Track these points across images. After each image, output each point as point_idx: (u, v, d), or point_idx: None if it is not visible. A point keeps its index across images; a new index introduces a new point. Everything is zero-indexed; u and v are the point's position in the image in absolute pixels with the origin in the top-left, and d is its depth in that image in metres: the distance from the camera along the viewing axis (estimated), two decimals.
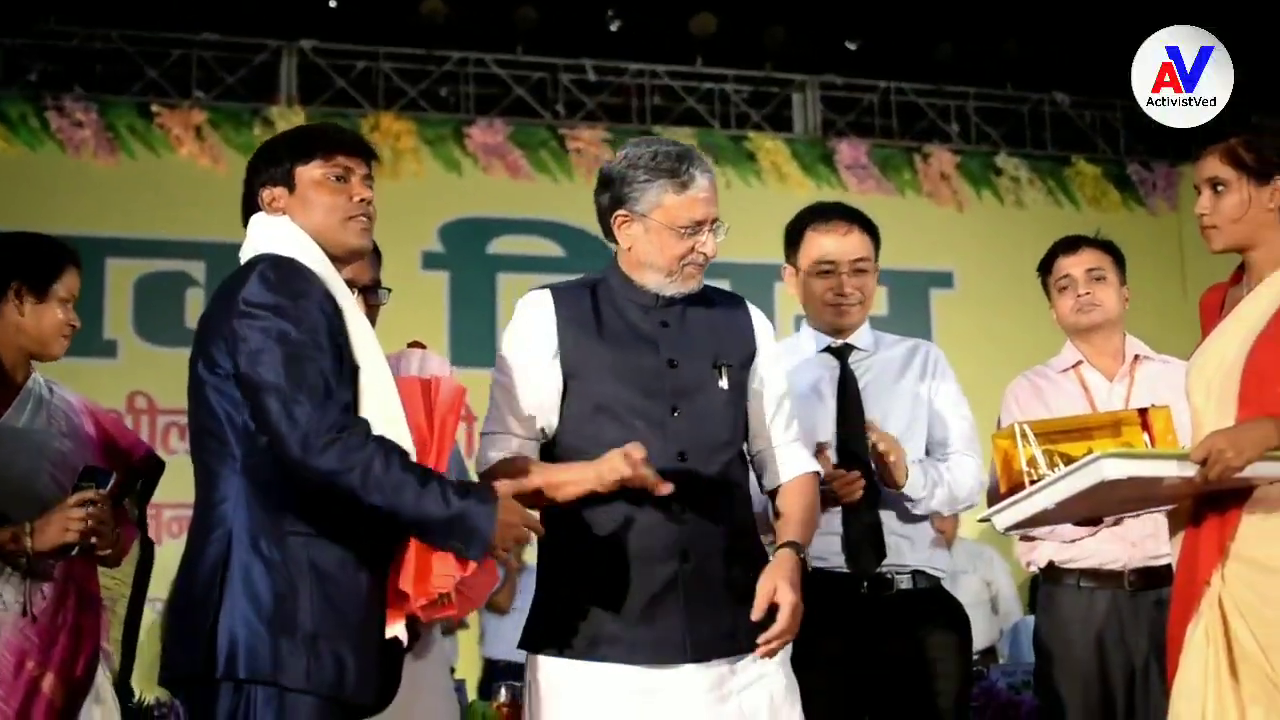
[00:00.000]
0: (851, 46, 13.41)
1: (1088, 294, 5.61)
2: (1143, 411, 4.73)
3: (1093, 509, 4.74)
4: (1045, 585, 5.67)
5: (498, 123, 12.42)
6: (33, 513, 4.59)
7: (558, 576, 4.35)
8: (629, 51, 12.84)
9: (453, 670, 8.62)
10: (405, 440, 3.87)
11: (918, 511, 5.15)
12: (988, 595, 10.39)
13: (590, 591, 4.24)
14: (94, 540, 4.58)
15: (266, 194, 4.06)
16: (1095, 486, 4.25)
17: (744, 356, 4.48)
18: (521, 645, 4.39)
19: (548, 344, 4.37)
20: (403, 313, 9.35)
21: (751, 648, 4.24)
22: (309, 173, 4.06)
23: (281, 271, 3.86)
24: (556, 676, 4.27)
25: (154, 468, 5.09)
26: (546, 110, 12.66)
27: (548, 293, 4.47)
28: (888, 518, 5.13)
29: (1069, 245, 5.72)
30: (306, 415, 3.69)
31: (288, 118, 11.60)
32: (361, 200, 4.07)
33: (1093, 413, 5.37)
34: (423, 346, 4.55)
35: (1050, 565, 5.57)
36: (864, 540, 5.09)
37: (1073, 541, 5.44)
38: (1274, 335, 4.33)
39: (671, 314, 4.43)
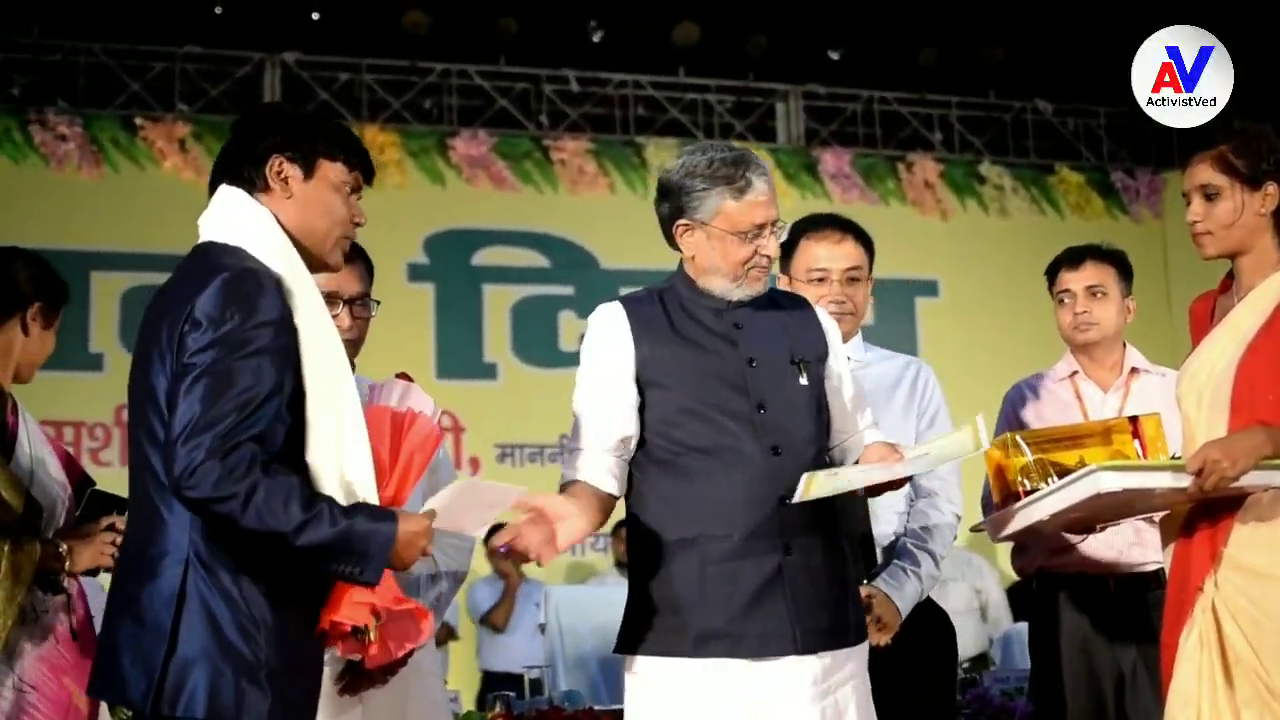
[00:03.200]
0: (834, 56, 13.44)
1: (1085, 311, 5.60)
2: (1133, 419, 4.72)
3: (1087, 517, 4.75)
4: (1035, 592, 5.68)
5: (481, 134, 12.43)
6: (48, 530, 4.64)
7: (658, 575, 4.28)
8: (612, 62, 12.85)
9: (445, 683, 8.63)
10: (362, 466, 3.71)
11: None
12: (977, 603, 10.40)
13: (693, 589, 4.21)
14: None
15: (277, 162, 3.78)
16: (1090, 498, 4.26)
17: (818, 354, 4.46)
18: (619, 649, 4.35)
19: (624, 354, 4.34)
20: (389, 325, 9.33)
21: (850, 643, 4.29)
22: (333, 170, 3.83)
23: (245, 286, 3.58)
24: (662, 676, 4.22)
25: (87, 488, 4.97)
26: (530, 121, 12.68)
27: (618, 304, 4.43)
28: (877, 528, 5.13)
29: (1073, 258, 5.70)
30: (196, 444, 3.45)
31: None
32: (358, 223, 3.91)
33: (1084, 421, 5.38)
34: (409, 379, 4.44)
35: (1039, 572, 5.59)
36: (854, 548, 5.09)
37: (1061, 550, 5.45)
38: (1264, 343, 4.35)
39: (743, 315, 4.39)
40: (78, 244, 10.96)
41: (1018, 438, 4.61)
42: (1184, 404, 4.52)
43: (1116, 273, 5.66)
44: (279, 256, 3.71)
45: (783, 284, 5.32)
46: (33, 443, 4.74)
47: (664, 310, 4.40)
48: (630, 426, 4.32)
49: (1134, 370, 5.64)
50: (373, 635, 3.81)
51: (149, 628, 3.57)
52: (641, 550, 4.35)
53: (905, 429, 5.22)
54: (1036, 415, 5.61)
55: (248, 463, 3.47)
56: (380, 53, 12.38)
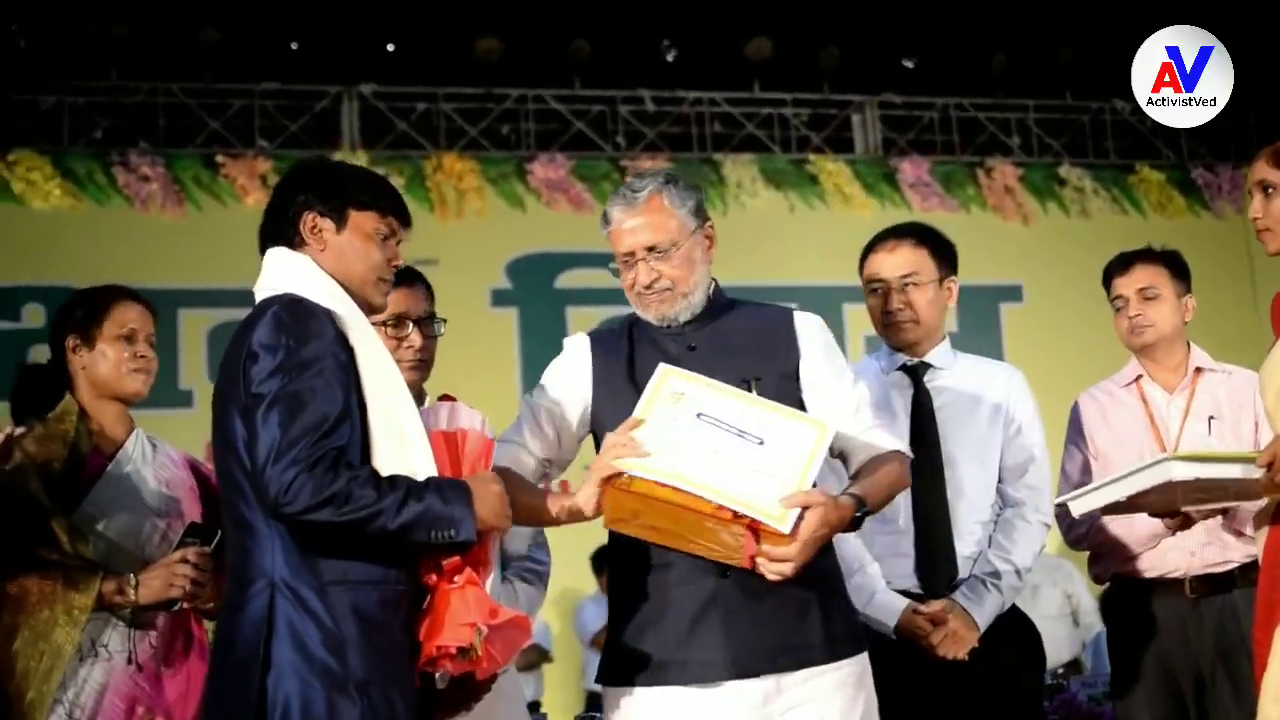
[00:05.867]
0: (908, 64, 13.40)
1: (1139, 315, 5.59)
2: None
3: (1168, 503, 4.76)
4: (1112, 596, 5.69)
5: (559, 157, 12.47)
6: (134, 564, 4.71)
7: (620, 606, 4.37)
8: (686, 80, 12.87)
9: (538, 706, 8.64)
10: (427, 473, 3.86)
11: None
12: (1069, 608, 10.37)
13: (646, 618, 4.25)
14: (197, 595, 4.67)
15: (310, 218, 3.99)
16: (1162, 484, 4.28)
17: (786, 367, 4.40)
18: (597, 680, 4.44)
19: (582, 394, 4.44)
20: (474, 350, 9.32)
21: (814, 661, 4.21)
22: (364, 219, 4.03)
23: (294, 313, 3.80)
24: (625, 706, 4.29)
25: None
26: (607, 143, 12.71)
27: (587, 341, 4.53)
28: (960, 538, 5.12)
29: (1121, 264, 5.70)
30: (285, 463, 3.64)
31: (351, 162, 11.67)
32: (396, 265, 4.09)
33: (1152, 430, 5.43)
34: (452, 399, 4.55)
35: (1115, 577, 5.59)
36: (936, 561, 5.09)
37: (1136, 555, 5.45)
38: None
39: (701, 336, 4.42)
40: (163, 283, 10.99)
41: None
42: (1265, 398, 4.51)
43: (1169, 273, 5.65)
44: (325, 294, 3.91)
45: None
46: (132, 477, 4.87)
47: (629, 342, 4.47)
48: (567, 457, 4.48)
49: (1199, 370, 5.61)
50: (479, 650, 3.87)
51: (242, 653, 3.75)
52: (612, 582, 4.45)
53: (991, 437, 5.21)
54: (1104, 421, 5.64)
55: (334, 469, 3.66)
56: (456, 81, 12.45)
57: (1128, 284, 5.63)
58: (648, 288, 4.38)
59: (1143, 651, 5.48)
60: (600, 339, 4.53)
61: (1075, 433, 5.70)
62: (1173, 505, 4.95)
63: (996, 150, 13.37)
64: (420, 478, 3.82)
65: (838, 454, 4.42)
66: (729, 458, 4.00)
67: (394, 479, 3.75)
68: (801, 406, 4.35)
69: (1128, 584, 5.56)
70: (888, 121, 13.26)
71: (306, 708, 3.68)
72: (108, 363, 4.91)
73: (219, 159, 11.84)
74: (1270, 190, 4.47)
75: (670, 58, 13.04)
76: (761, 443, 4.04)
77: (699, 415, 4.05)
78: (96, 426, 4.91)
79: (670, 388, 4.09)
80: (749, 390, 4.26)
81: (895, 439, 4.47)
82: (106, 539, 4.74)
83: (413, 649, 3.90)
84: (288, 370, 3.72)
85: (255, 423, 3.70)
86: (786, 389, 4.35)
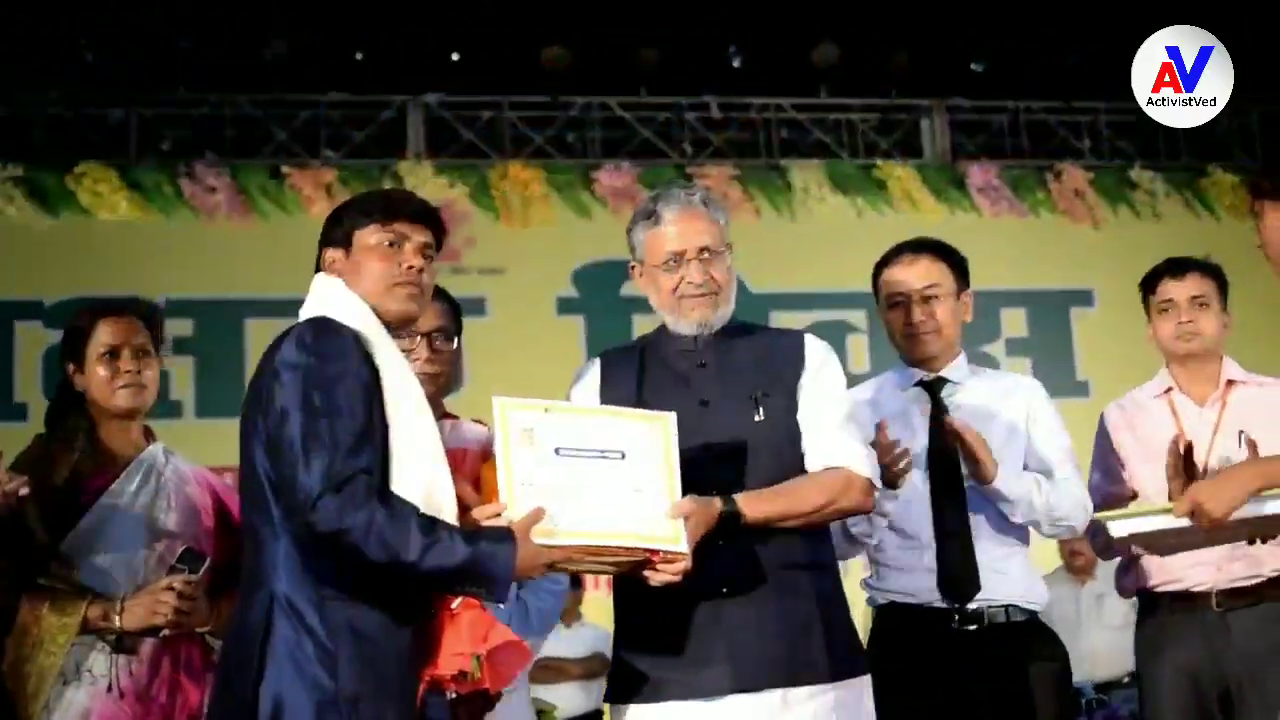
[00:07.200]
0: (977, 68, 13.33)
1: (1189, 321, 5.57)
2: None
3: (1186, 547, 4.79)
4: (1139, 610, 5.63)
5: (625, 165, 12.44)
6: (129, 587, 4.73)
7: (624, 625, 4.39)
8: (753, 86, 12.84)
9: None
10: (446, 494, 3.90)
11: (1016, 519, 5.08)
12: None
13: (649, 636, 4.25)
14: (180, 624, 4.66)
15: (327, 255, 4.12)
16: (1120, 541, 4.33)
17: (789, 385, 4.39)
18: (604, 699, 4.44)
19: None
20: (539, 358, 9.28)
21: (805, 681, 4.20)
22: (364, 237, 4.07)
23: (316, 333, 3.86)
24: None
25: None
26: (673, 150, 12.69)
27: (597, 362, 4.54)
28: (981, 552, 5.07)
29: (1176, 269, 5.67)
30: (313, 477, 3.68)
31: (416, 172, 11.71)
32: (410, 268, 4.06)
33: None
34: (454, 417, 4.66)
35: (1141, 590, 5.55)
36: (957, 575, 5.05)
37: (1162, 567, 5.44)
38: None
39: (712, 354, 4.42)
40: (230, 292, 11.11)
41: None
42: None
43: (1217, 285, 5.64)
44: (350, 313, 3.97)
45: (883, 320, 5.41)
46: (131, 499, 4.88)
47: (640, 361, 4.45)
48: None
49: (1230, 382, 5.56)
50: (478, 674, 3.94)
51: (237, 661, 3.82)
52: (616, 602, 4.42)
53: (1010, 450, 5.17)
54: (1133, 433, 5.61)
55: (364, 493, 3.70)
56: (521, 89, 12.47)
57: (1180, 289, 5.60)
58: (698, 285, 4.35)
59: (1168, 666, 5.45)
60: (611, 360, 4.53)
61: (1102, 443, 5.66)
62: (1186, 548, 4.95)
63: (1066, 154, 13.27)
64: (440, 494, 3.87)
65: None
66: (605, 487, 3.98)
67: (434, 522, 3.76)
68: (796, 424, 4.35)
69: (1154, 597, 5.55)
70: (956, 126, 13.18)
71: (293, 719, 3.71)
72: (97, 381, 4.96)
73: (284, 169, 11.90)
74: None
75: (736, 64, 13.04)
76: (623, 456, 4.04)
77: (557, 451, 3.99)
78: (104, 446, 4.95)
79: (516, 425, 3.98)
80: (755, 407, 4.30)
81: (851, 457, 4.37)
82: (95, 564, 4.76)
83: (417, 661, 3.94)
84: (311, 385, 3.78)
85: (280, 437, 3.76)
86: (788, 405, 4.36)
